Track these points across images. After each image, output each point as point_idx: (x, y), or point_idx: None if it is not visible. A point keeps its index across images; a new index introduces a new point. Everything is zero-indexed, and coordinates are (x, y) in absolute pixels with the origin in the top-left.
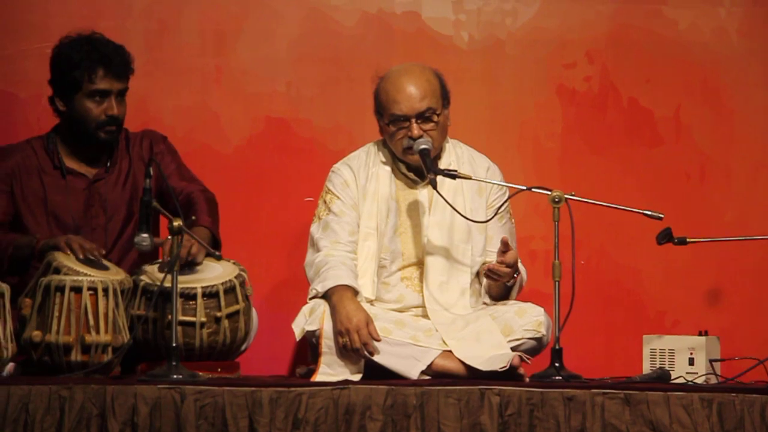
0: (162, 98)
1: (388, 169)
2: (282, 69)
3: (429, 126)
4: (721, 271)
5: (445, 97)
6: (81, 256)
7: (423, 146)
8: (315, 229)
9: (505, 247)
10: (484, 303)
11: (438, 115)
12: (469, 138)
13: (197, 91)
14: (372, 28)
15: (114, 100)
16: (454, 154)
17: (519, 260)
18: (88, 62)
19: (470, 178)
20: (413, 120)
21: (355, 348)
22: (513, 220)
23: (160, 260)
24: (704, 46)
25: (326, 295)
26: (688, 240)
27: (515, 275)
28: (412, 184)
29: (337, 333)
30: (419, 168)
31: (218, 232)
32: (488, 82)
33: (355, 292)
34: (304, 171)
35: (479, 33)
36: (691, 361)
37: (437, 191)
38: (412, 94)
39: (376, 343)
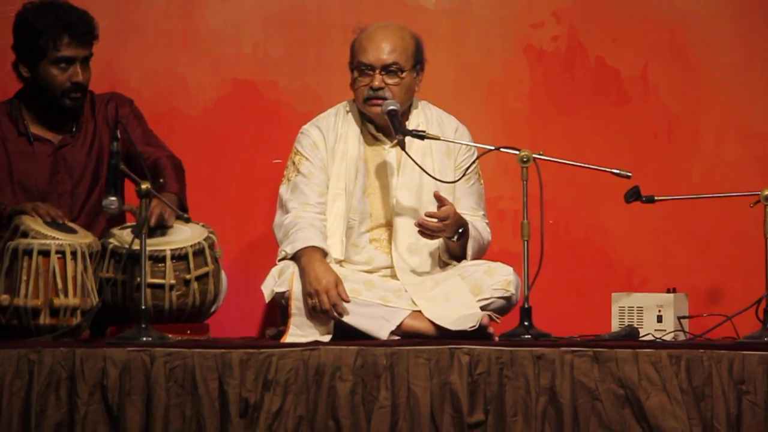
0: (129, 62)
1: (356, 129)
2: (249, 31)
3: (392, 80)
4: (689, 228)
5: (417, 60)
6: (48, 220)
7: (391, 107)
8: (284, 191)
9: (439, 202)
10: (443, 261)
11: (403, 72)
12: (437, 99)
13: (164, 54)
14: None
15: (79, 66)
16: (423, 115)
17: (483, 220)
18: (52, 30)
19: (438, 139)
20: (377, 71)
21: (325, 309)
22: (482, 181)
23: (129, 224)
24: (671, 5)
25: (295, 257)
26: (656, 198)
27: (459, 230)
28: (381, 145)
29: (307, 294)
30: (387, 128)
31: (185, 198)
32: (455, 42)
33: (325, 254)
34: (271, 133)
35: None
36: (660, 319)
37: (405, 152)
38: (381, 45)
39: (345, 304)
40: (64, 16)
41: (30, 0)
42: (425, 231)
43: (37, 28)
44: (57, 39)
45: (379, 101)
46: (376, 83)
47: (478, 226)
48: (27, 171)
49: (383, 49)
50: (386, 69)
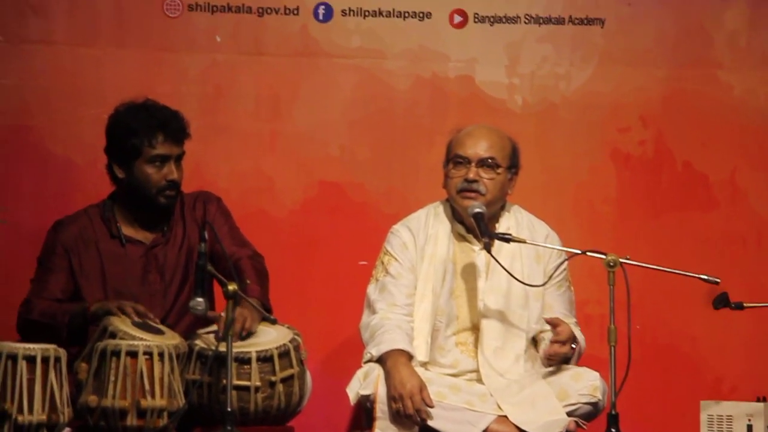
0: (217, 162)
1: (446, 230)
2: (336, 133)
3: (488, 175)
4: None
5: (513, 162)
6: (135, 319)
7: (476, 210)
8: (372, 291)
9: (553, 325)
10: (532, 366)
11: (499, 168)
12: (524, 201)
13: (252, 156)
14: (426, 91)
15: (173, 164)
16: (514, 219)
17: (575, 327)
18: (146, 128)
19: (524, 242)
20: (473, 164)
21: (409, 414)
22: (572, 289)
23: (215, 329)
24: (760, 110)
25: (381, 359)
26: (745, 305)
27: (573, 346)
28: (470, 246)
29: (391, 398)
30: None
31: (268, 299)
32: (542, 145)
33: (410, 357)
34: (357, 234)
35: (533, 97)
36: (750, 428)
37: (491, 254)
38: (480, 141)
39: (430, 409)
40: (157, 114)
41: (121, 103)
42: (552, 360)
43: (131, 128)
44: (152, 137)
45: (473, 194)
46: (471, 175)
47: (576, 333)
48: (119, 273)
49: (481, 145)
50: (482, 163)
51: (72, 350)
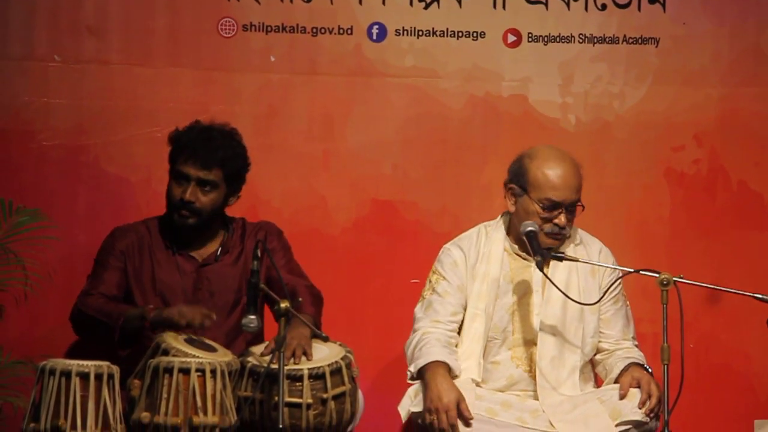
0: (270, 182)
1: (500, 248)
2: (389, 152)
3: (573, 215)
4: None
5: None
6: (197, 322)
7: (529, 228)
8: (418, 309)
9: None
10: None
11: (579, 204)
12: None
13: (305, 175)
14: (479, 110)
15: (195, 186)
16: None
17: (633, 342)
18: (178, 145)
19: (577, 260)
20: (563, 208)
21: (442, 429)
22: (628, 304)
23: (266, 342)
24: None
25: (420, 373)
26: None
27: (648, 368)
28: (525, 263)
29: (426, 410)
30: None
31: (320, 325)
32: (595, 164)
33: (449, 368)
34: (409, 253)
35: (586, 116)
36: None
37: (544, 274)
38: (570, 184)
39: (486, 427)
40: (195, 135)
41: (198, 119)
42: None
43: (172, 141)
44: (179, 154)
45: (561, 236)
46: (564, 221)
47: (640, 356)
48: (170, 284)
49: (571, 187)
50: (570, 205)
51: (122, 353)
